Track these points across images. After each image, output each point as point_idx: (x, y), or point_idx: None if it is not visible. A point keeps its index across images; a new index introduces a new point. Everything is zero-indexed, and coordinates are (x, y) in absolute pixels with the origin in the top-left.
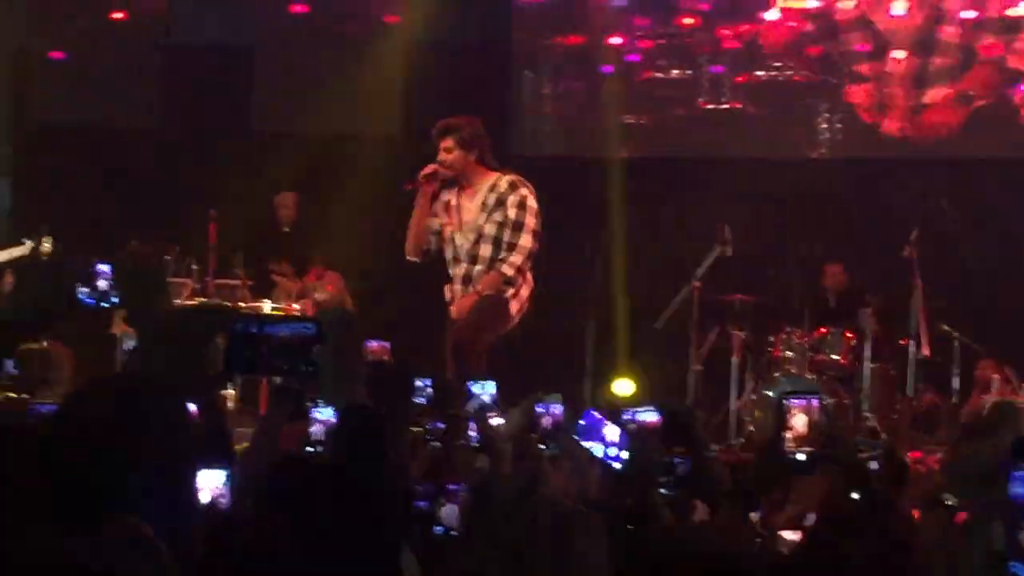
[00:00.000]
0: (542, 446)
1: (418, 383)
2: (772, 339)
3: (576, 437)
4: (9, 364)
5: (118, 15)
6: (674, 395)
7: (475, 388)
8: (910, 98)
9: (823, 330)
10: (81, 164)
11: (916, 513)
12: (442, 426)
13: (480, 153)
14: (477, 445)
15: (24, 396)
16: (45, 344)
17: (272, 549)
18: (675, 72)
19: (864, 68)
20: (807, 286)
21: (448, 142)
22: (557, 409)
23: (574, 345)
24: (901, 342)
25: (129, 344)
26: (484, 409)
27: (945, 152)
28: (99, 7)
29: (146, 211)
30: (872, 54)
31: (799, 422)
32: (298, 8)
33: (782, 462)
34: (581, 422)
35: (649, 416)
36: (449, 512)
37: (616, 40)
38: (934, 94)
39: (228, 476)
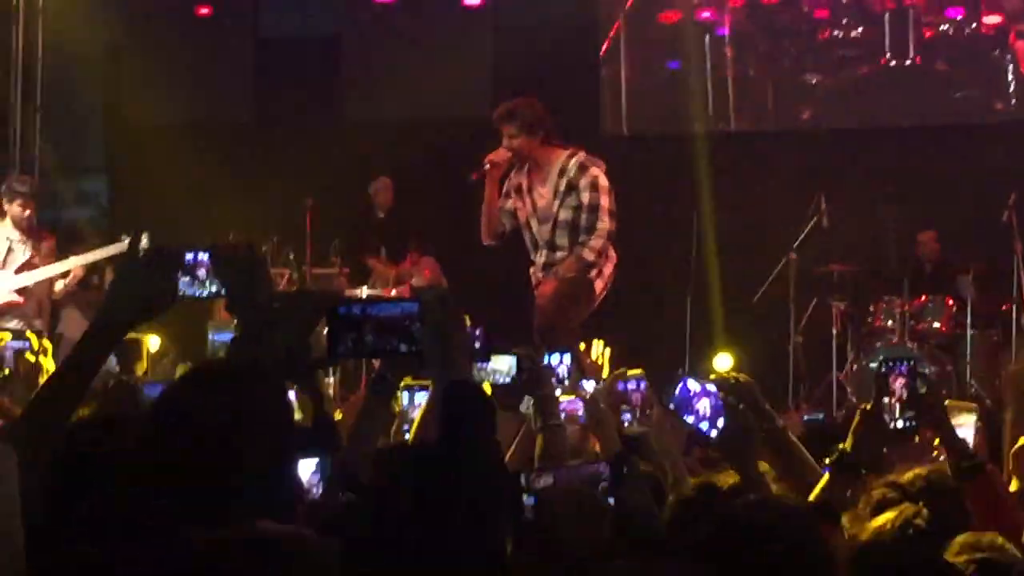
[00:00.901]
0: (628, 421)
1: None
2: (872, 309)
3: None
4: (112, 361)
5: (204, 10)
6: (776, 367)
7: (553, 360)
8: None
9: (923, 298)
10: (176, 160)
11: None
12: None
13: (545, 134)
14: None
15: (133, 379)
16: (142, 336)
17: (381, 535)
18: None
19: None
20: (905, 255)
21: (511, 128)
22: (643, 384)
23: (674, 321)
24: (1003, 307)
25: (219, 334)
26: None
27: None
28: (186, 2)
29: (243, 204)
30: None
31: (898, 387)
32: None
33: (883, 431)
34: (676, 393)
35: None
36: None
37: (706, 14)
38: None
39: (319, 464)
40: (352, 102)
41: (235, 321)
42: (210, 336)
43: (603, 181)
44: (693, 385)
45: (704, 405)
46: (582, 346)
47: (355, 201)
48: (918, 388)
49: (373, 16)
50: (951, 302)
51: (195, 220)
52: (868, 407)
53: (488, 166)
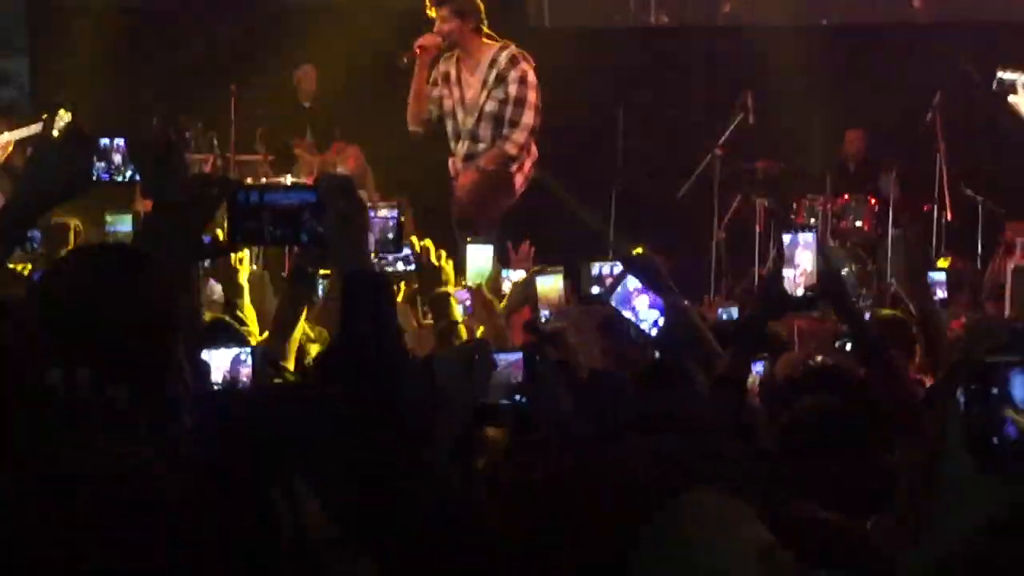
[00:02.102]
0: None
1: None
2: (794, 206)
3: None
4: (36, 237)
5: None
6: (697, 263)
7: (471, 251)
8: None
9: (845, 197)
10: (97, 41)
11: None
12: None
13: (477, 22)
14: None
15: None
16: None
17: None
18: None
19: None
20: (829, 153)
21: (444, 11)
22: (559, 282)
23: (598, 216)
24: (924, 207)
25: (117, 225)
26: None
27: (968, 15)
28: None
29: (166, 88)
30: None
31: (804, 259)
32: None
33: (784, 298)
34: (618, 290)
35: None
36: None
37: None
38: None
39: (251, 353)
40: None
41: (134, 211)
42: (107, 227)
43: (532, 77)
44: (632, 283)
45: (642, 302)
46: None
47: (279, 88)
48: (820, 261)
49: None
50: (873, 201)
51: (118, 104)
52: (770, 273)
53: (419, 50)
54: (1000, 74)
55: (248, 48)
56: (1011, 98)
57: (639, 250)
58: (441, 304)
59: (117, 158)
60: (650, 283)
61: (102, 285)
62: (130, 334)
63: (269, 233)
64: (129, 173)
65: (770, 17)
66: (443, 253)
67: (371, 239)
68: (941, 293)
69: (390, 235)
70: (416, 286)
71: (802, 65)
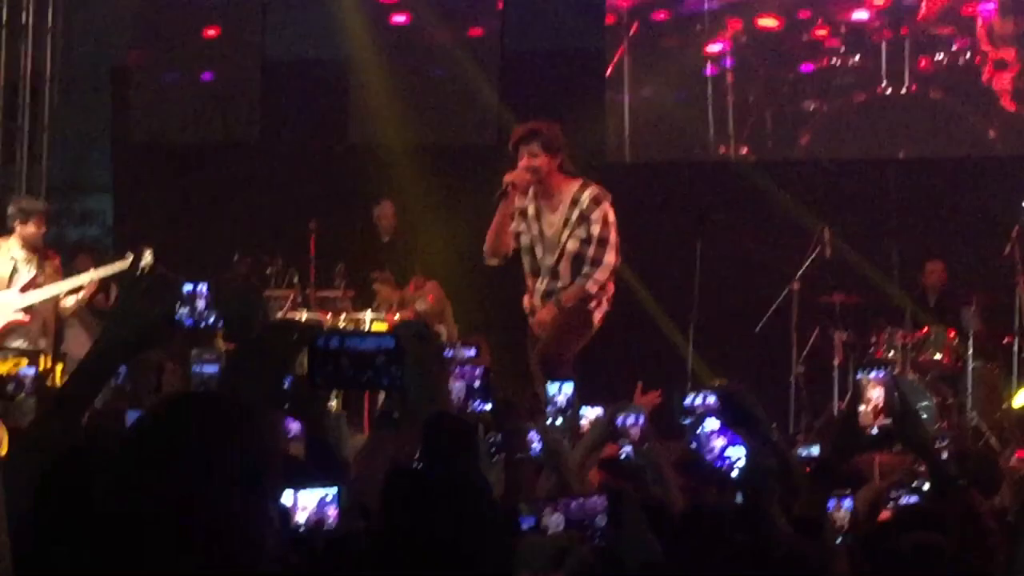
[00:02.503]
0: (628, 453)
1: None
2: (874, 339)
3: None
4: (122, 372)
5: (212, 32)
6: (777, 396)
7: (552, 389)
8: None
9: (925, 329)
10: (182, 179)
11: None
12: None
13: (562, 159)
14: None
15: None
16: (154, 357)
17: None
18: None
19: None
20: (908, 285)
21: (534, 147)
22: (641, 419)
23: (677, 350)
24: (1005, 340)
25: (203, 365)
26: (560, 414)
27: None
28: (195, 23)
29: (248, 225)
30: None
31: (876, 395)
32: (398, 19)
33: (858, 437)
34: (698, 431)
35: (708, 399)
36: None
37: (715, 47)
38: None
39: (337, 494)
40: (357, 125)
41: (219, 352)
42: (194, 367)
43: (612, 217)
44: (711, 424)
45: (719, 443)
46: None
47: (359, 224)
48: (895, 398)
49: (382, 39)
50: (953, 334)
51: (199, 241)
52: (844, 413)
53: (510, 187)
54: None
55: (327, 184)
56: None
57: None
58: (516, 438)
59: (201, 304)
60: (738, 420)
61: (202, 438)
62: (231, 487)
63: (349, 378)
64: (212, 319)
65: (847, 150)
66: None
67: (459, 387)
68: None
69: (476, 384)
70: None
71: (879, 197)
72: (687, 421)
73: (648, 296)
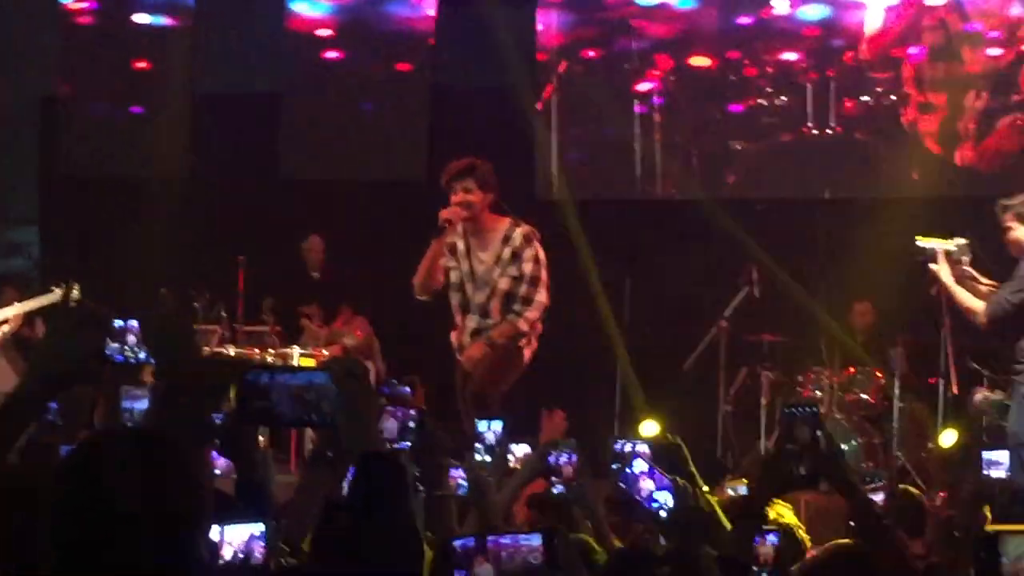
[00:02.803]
0: (560, 490)
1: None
2: (801, 379)
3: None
4: (52, 407)
5: (142, 64)
6: (704, 436)
7: (481, 427)
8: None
9: (852, 370)
10: (110, 212)
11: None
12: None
13: (494, 197)
14: (460, 497)
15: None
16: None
17: None
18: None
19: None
20: (835, 325)
21: (469, 183)
22: (574, 456)
23: (604, 388)
24: (931, 380)
25: (131, 401)
26: (489, 451)
27: (971, 190)
28: (124, 55)
29: (176, 259)
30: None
31: (803, 435)
32: (330, 54)
33: (785, 477)
34: (627, 470)
35: (638, 447)
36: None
37: (645, 86)
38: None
39: (265, 531)
40: (288, 160)
41: (148, 387)
42: (123, 402)
43: (542, 255)
44: (639, 465)
45: (648, 485)
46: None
47: (288, 259)
48: (819, 437)
49: (312, 75)
50: (879, 374)
51: (126, 274)
52: (771, 452)
53: (447, 223)
54: (919, 242)
55: (257, 218)
56: (932, 266)
57: (655, 428)
58: (436, 475)
59: (131, 339)
60: (669, 467)
61: (132, 474)
62: (160, 523)
63: (280, 414)
64: (143, 355)
65: (773, 189)
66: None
67: (391, 426)
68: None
69: (411, 424)
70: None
71: (806, 237)
72: (615, 465)
73: (578, 334)
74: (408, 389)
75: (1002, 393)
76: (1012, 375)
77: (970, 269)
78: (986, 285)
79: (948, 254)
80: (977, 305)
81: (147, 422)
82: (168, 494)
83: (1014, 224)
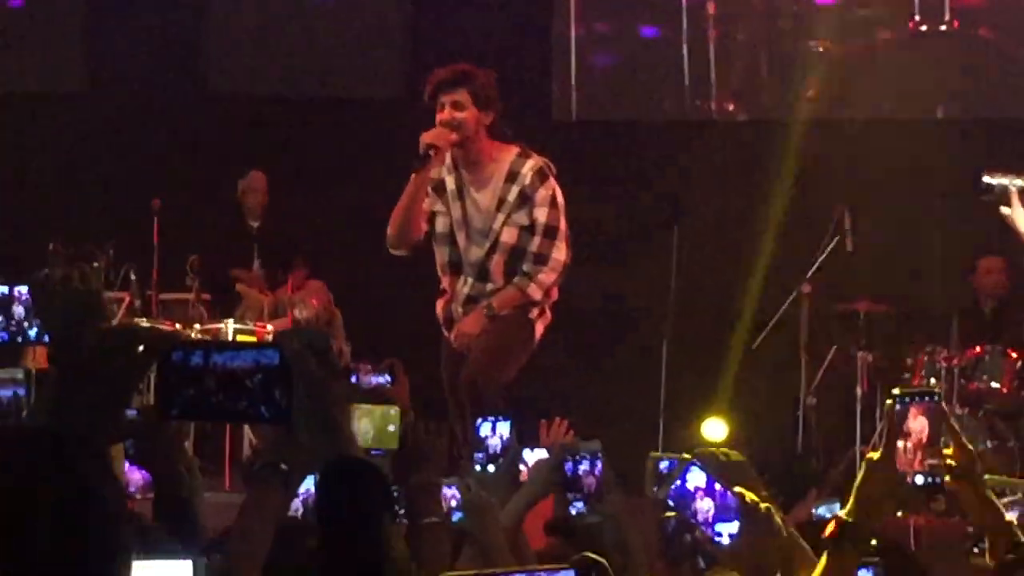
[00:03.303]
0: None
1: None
2: (910, 362)
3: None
4: None
5: None
6: (781, 437)
7: (484, 429)
8: None
9: (978, 349)
10: None
11: None
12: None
13: (495, 118)
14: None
15: None
16: None
17: None
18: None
19: None
20: (957, 290)
21: (460, 95)
22: (598, 464)
23: (644, 376)
24: None
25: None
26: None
27: None
28: None
29: (70, 202)
30: None
31: (918, 427)
32: None
33: (896, 488)
34: (676, 484)
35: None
36: None
37: None
38: None
39: (194, 570)
40: (217, 71)
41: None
42: None
43: (560, 197)
44: (696, 478)
45: (707, 505)
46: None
47: (218, 203)
48: (944, 432)
49: None
50: (1015, 355)
51: (5, 225)
52: (876, 456)
53: (431, 151)
54: (986, 178)
55: (177, 149)
56: (1004, 210)
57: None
58: (423, 497)
59: (19, 311)
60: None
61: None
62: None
63: (216, 405)
64: (33, 333)
65: (869, 107)
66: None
67: (365, 429)
68: None
69: (391, 428)
70: None
71: (915, 170)
72: (656, 488)
73: (607, 302)
74: (387, 378)
75: None
76: None
77: None
78: None
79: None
80: None
81: (30, 417)
82: (79, 519)
83: None
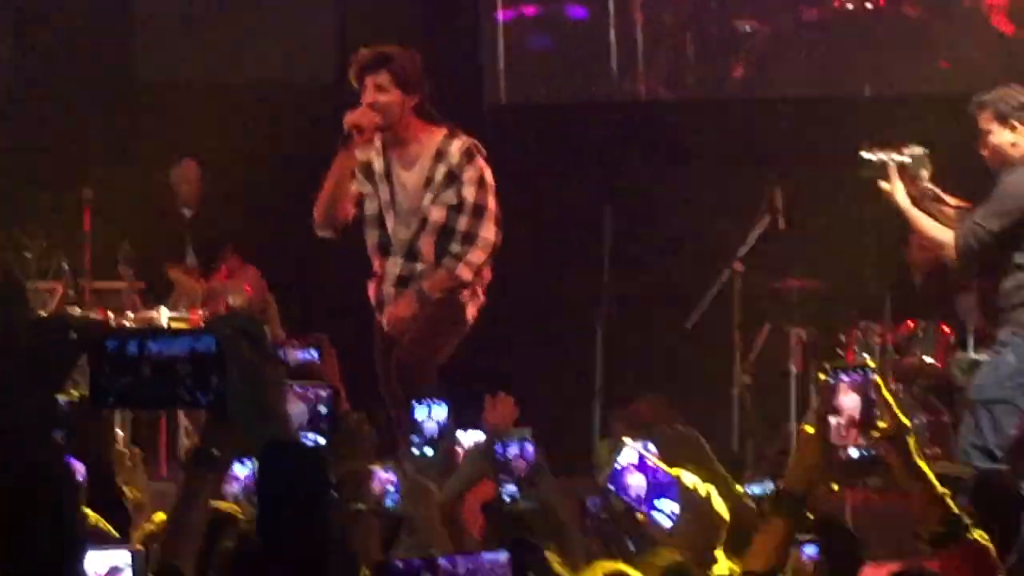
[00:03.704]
0: (510, 497)
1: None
2: (842, 338)
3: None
4: None
5: None
6: (715, 416)
7: (419, 413)
8: None
9: (911, 324)
10: None
11: None
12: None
13: (421, 99)
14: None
15: None
16: None
17: None
18: None
19: None
20: (890, 265)
21: (382, 77)
22: (529, 448)
23: (578, 357)
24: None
25: None
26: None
27: None
28: None
29: (1, 191)
30: None
31: (850, 403)
32: None
33: (831, 460)
34: (616, 465)
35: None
36: None
37: None
38: None
39: (133, 559)
40: (144, 57)
41: None
42: None
43: (490, 178)
44: (628, 455)
45: (638, 481)
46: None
47: (151, 191)
48: (876, 407)
49: None
50: (948, 329)
51: None
52: (810, 428)
53: (354, 131)
54: (865, 154)
55: (106, 137)
56: (883, 185)
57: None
58: (352, 484)
59: None
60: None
61: None
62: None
63: (152, 393)
64: None
65: (795, 85)
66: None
67: (299, 411)
68: None
69: (322, 409)
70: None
71: (842, 146)
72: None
73: (538, 283)
74: (314, 354)
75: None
76: (994, 325)
77: (931, 186)
78: (953, 207)
79: (902, 168)
80: (944, 235)
81: None
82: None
83: (993, 126)
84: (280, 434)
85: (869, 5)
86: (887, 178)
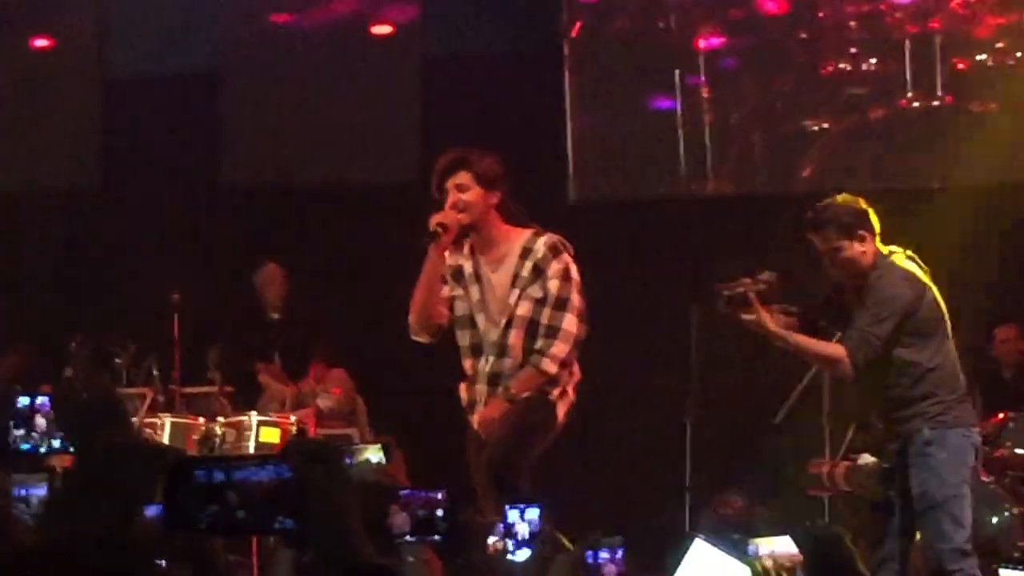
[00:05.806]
0: None
1: None
2: None
3: None
4: None
5: (42, 42)
6: (815, 516)
7: (511, 515)
8: None
9: (1001, 415)
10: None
11: None
12: None
13: (502, 199)
14: None
15: None
16: None
17: None
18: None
19: None
20: (976, 357)
21: (463, 177)
22: (620, 553)
23: (666, 459)
24: None
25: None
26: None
27: None
28: (19, 32)
29: (90, 298)
30: None
31: None
32: (280, 18)
33: None
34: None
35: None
36: None
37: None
38: None
39: None
40: (231, 161)
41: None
42: (16, 488)
43: (575, 274)
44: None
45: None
46: None
47: (237, 296)
48: None
49: (260, 46)
50: None
51: (27, 320)
52: None
53: (441, 230)
54: (724, 291)
55: (193, 242)
56: (746, 317)
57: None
58: None
59: (41, 423)
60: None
61: None
62: None
63: (242, 520)
64: (57, 443)
65: (864, 180)
66: None
67: (403, 519)
68: None
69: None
70: None
71: (913, 238)
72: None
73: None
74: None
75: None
76: (896, 424)
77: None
78: (790, 316)
79: (759, 294)
80: (832, 350)
81: (50, 516)
82: None
83: (842, 242)
84: (357, 554)
85: (936, 103)
86: (748, 307)
